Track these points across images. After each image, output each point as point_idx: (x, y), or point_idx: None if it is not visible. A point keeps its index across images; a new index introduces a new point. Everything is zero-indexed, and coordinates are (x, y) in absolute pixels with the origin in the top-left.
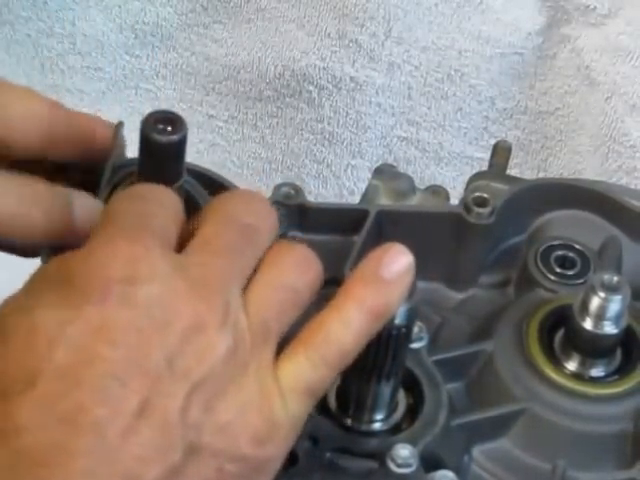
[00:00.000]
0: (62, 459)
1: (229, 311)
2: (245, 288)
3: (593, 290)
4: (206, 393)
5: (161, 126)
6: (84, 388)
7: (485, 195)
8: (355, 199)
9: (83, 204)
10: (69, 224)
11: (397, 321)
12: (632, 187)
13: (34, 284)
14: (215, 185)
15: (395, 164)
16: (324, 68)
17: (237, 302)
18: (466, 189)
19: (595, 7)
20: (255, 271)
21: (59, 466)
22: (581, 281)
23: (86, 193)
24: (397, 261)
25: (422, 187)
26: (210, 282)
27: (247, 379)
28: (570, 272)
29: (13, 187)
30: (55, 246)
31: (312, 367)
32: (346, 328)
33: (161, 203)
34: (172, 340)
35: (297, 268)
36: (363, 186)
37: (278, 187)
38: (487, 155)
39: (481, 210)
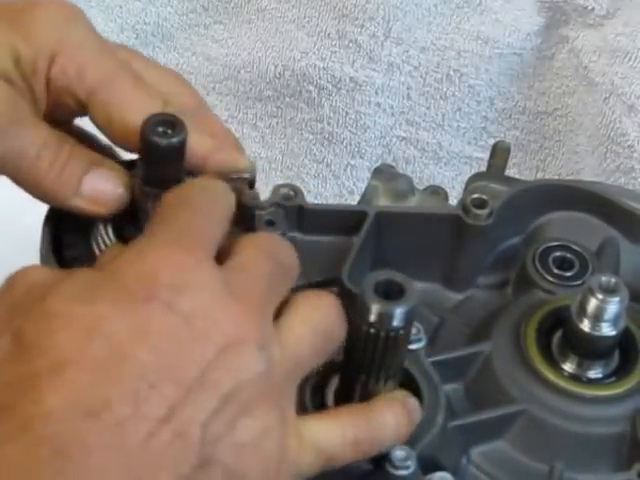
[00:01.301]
0: (80, 453)
1: (266, 335)
2: (279, 322)
3: (591, 292)
4: (232, 409)
5: (161, 129)
6: (113, 385)
7: (484, 196)
8: (354, 198)
9: (97, 178)
10: (76, 185)
11: (395, 323)
12: (630, 187)
13: (80, 275)
14: None
15: (394, 164)
16: (324, 68)
17: (272, 329)
18: (465, 190)
19: (593, 8)
20: (290, 311)
21: (76, 460)
22: (579, 282)
23: (113, 164)
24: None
25: (421, 186)
26: (252, 303)
27: (273, 407)
28: (568, 273)
29: (39, 132)
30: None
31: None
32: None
33: (212, 209)
34: (209, 353)
35: (333, 314)
36: (362, 186)
37: (277, 188)
38: (486, 155)
39: (479, 211)
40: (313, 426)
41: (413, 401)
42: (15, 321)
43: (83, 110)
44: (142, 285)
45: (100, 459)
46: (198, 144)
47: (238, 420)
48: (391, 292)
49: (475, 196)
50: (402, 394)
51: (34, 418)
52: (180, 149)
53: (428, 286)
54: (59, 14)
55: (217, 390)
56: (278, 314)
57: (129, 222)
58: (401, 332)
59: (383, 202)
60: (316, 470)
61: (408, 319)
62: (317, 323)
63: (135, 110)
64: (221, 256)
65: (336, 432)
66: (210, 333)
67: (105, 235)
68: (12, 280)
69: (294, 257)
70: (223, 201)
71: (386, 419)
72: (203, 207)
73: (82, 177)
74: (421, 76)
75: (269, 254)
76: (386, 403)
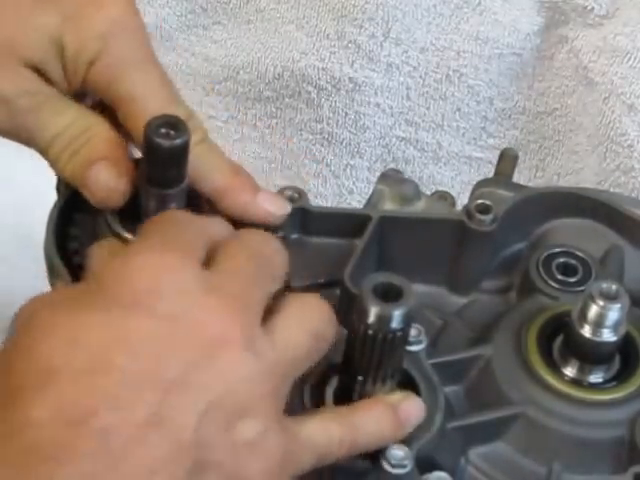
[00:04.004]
0: (66, 458)
1: (254, 335)
2: (272, 323)
3: (592, 298)
4: (225, 412)
5: (164, 130)
6: (97, 394)
7: (487, 202)
8: (354, 198)
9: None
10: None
11: (393, 325)
12: (629, 186)
13: (70, 287)
14: None
15: (394, 164)
16: (323, 69)
17: (259, 329)
18: (471, 196)
19: (593, 8)
20: (282, 312)
21: (62, 465)
22: (582, 288)
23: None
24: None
25: (420, 186)
26: (236, 303)
27: (271, 407)
28: (572, 279)
29: (61, 117)
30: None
31: (339, 444)
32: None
33: (193, 223)
34: (192, 355)
35: (323, 315)
36: (362, 185)
37: (281, 190)
38: (485, 155)
39: (483, 217)
40: (304, 425)
41: (410, 404)
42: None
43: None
44: (123, 291)
45: (89, 464)
46: (218, 175)
47: (235, 422)
48: (389, 294)
49: (479, 202)
50: (399, 397)
51: (21, 426)
52: (183, 151)
53: (432, 289)
54: (116, 20)
55: (205, 393)
56: (270, 315)
57: (132, 221)
58: (399, 334)
59: (389, 207)
60: (309, 468)
61: (406, 321)
62: (309, 324)
63: None
64: (210, 261)
65: (323, 431)
66: (192, 335)
67: (108, 230)
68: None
69: (280, 254)
70: (211, 223)
71: (367, 421)
72: (191, 223)
73: (89, 167)
74: (420, 76)
75: (253, 253)
76: (369, 405)
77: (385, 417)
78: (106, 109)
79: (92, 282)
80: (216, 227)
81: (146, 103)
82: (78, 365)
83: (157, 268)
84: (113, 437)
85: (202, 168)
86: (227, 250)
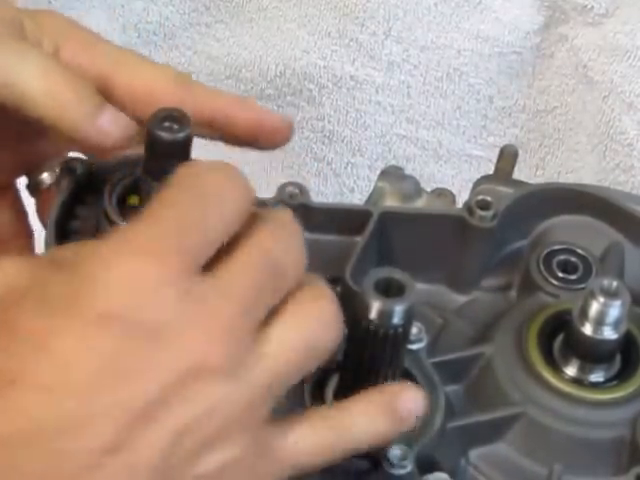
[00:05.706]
0: (9, 478)
1: (236, 359)
2: (267, 330)
3: (592, 295)
4: (194, 441)
5: (167, 124)
6: (53, 409)
7: (488, 198)
8: (355, 196)
9: (113, 112)
10: (94, 123)
11: (395, 320)
12: (629, 185)
13: (50, 282)
14: None
15: (394, 162)
16: (324, 67)
17: (247, 348)
18: (471, 192)
19: (593, 6)
20: (279, 321)
21: None
22: (583, 286)
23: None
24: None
25: (421, 184)
26: (225, 322)
27: (243, 433)
28: (572, 277)
29: (52, 66)
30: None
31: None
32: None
33: (221, 201)
34: (164, 381)
35: (323, 326)
36: (363, 184)
37: (283, 187)
38: (486, 153)
39: (484, 213)
40: (288, 436)
41: (408, 396)
42: None
43: None
44: (98, 299)
45: None
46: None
47: (202, 452)
48: (391, 289)
49: (480, 198)
50: (396, 388)
51: None
52: (185, 144)
53: (432, 287)
54: (62, 17)
55: (173, 423)
56: (267, 319)
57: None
58: (400, 330)
59: (389, 204)
60: (300, 471)
61: (408, 317)
62: (308, 340)
63: (153, 78)
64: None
65: (309, 439)
66: (166, 359)
67: (108, 223)
68: None
69: (299, 267)
70: (239, 192)
71: (359, 420)
72: (211, 199)
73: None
74: (421, 75)
75: (268, 262)
76: (361, 402)
77: (380, 413)
78: None
79: (73, 281)
80: (246, 206)
81: (128, 68)
82: (42, 375)
83: (140, 279)
84: (66, 461)
85: (199, 94)
86: (239, 250)
